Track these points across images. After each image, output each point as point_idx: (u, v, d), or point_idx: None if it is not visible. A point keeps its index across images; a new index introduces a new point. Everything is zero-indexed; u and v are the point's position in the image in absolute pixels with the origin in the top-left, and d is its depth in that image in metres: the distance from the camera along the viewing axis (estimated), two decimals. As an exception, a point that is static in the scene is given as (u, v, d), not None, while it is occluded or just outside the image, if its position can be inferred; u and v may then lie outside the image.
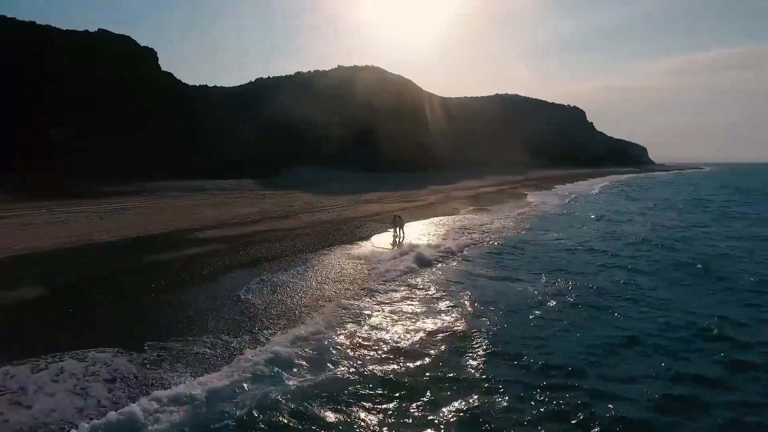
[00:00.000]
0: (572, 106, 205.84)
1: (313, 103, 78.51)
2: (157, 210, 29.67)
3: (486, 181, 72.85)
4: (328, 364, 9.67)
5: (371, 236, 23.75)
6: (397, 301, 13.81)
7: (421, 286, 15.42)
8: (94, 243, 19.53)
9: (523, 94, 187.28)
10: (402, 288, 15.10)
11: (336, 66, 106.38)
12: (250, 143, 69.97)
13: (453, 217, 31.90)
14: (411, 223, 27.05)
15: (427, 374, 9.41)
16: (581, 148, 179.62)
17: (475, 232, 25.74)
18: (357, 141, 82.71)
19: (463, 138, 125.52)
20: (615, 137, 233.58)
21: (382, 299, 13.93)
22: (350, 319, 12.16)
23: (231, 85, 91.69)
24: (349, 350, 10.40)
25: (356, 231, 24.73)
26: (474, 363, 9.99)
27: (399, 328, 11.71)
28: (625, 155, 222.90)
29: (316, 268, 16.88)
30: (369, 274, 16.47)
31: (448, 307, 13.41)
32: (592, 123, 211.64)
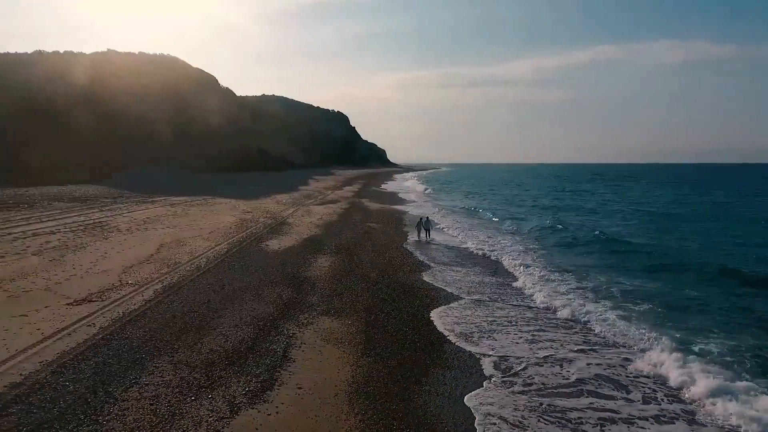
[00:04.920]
0: (338, 111, 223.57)
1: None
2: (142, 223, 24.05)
3: (324, 182, 76.24)
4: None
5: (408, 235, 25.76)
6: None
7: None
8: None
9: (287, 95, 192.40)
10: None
11: (106, 49, 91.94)
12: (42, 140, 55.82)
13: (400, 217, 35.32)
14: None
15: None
16: (352, 150, 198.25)
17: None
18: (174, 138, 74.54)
19: (257, 138, 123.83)
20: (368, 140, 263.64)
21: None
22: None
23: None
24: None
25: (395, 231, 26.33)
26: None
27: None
28: (379, 156, 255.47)
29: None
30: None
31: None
32: (354, 127, 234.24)
